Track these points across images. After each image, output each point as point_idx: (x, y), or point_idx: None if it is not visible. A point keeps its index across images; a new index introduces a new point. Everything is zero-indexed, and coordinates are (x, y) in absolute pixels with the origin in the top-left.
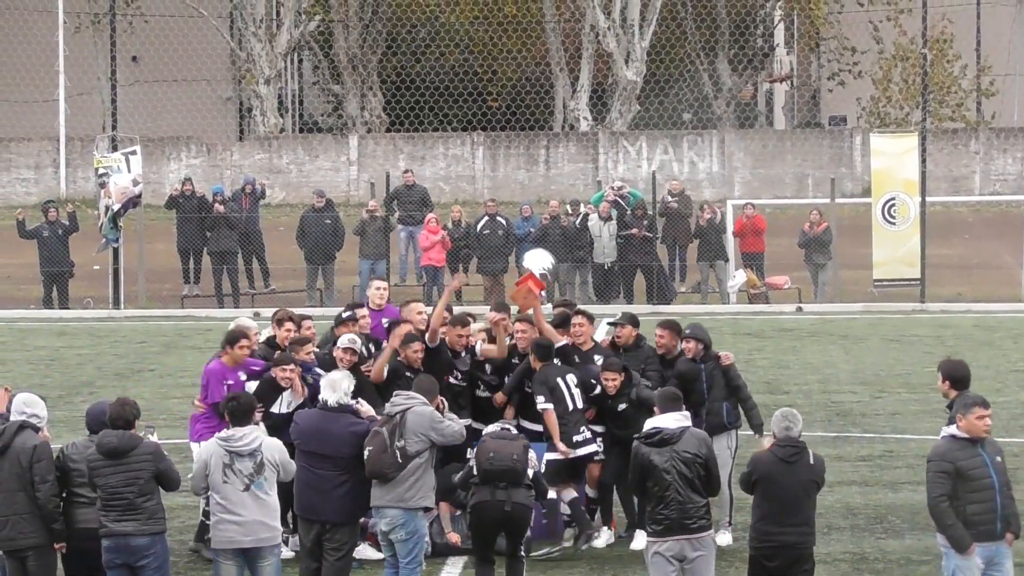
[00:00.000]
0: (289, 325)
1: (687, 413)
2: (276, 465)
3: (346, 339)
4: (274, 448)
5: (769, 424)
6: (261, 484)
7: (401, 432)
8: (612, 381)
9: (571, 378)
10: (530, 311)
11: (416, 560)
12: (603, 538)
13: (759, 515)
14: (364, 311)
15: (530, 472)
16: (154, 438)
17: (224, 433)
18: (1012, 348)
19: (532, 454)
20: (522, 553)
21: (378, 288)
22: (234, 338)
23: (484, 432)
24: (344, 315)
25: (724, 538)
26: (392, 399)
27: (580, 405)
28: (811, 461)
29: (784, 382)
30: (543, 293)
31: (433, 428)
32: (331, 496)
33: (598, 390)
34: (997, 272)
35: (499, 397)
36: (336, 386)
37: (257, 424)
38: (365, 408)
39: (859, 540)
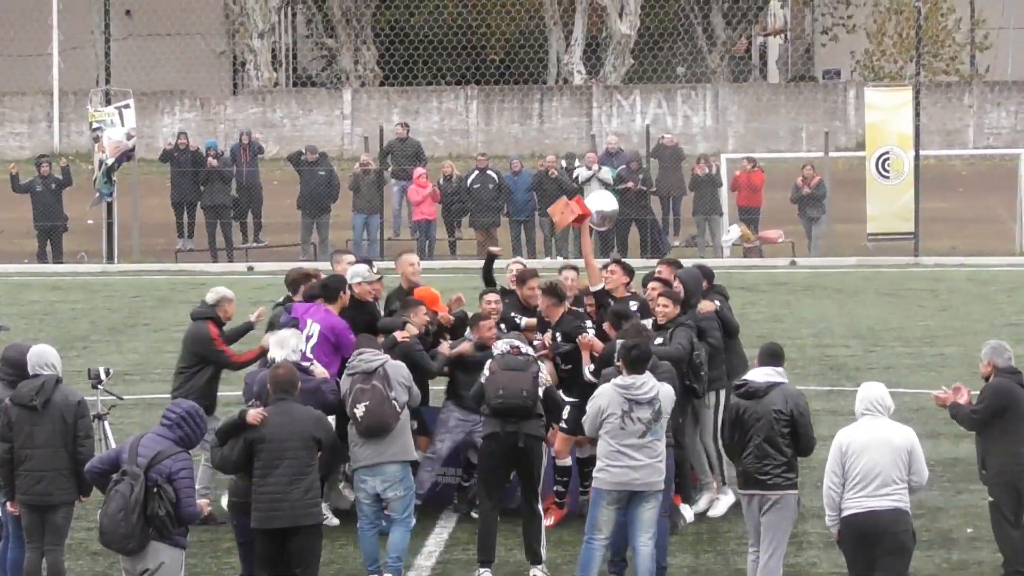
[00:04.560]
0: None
1: (781, 370)
2: None
3: (363, 269)
4: None
5: (983, 355)
6: None
7: (389, 383)
8: (664, 308)
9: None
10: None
11: (411, 513)
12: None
13: (1013, 440)
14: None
15: (540, 392)
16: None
17: None
18: (1006, 302)
19: (544, 373)
20: (539, 505)
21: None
22: (343, 283)
23: (495, 353)
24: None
25: (722, 504)
26: (358, 356)
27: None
28: None
29: (778, 336)
30: (594, 227)
31: (409, 381)
32: None
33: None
34: (991, 226)
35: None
36: (284, 343)
37: None
38: (318, 369)
39: None
